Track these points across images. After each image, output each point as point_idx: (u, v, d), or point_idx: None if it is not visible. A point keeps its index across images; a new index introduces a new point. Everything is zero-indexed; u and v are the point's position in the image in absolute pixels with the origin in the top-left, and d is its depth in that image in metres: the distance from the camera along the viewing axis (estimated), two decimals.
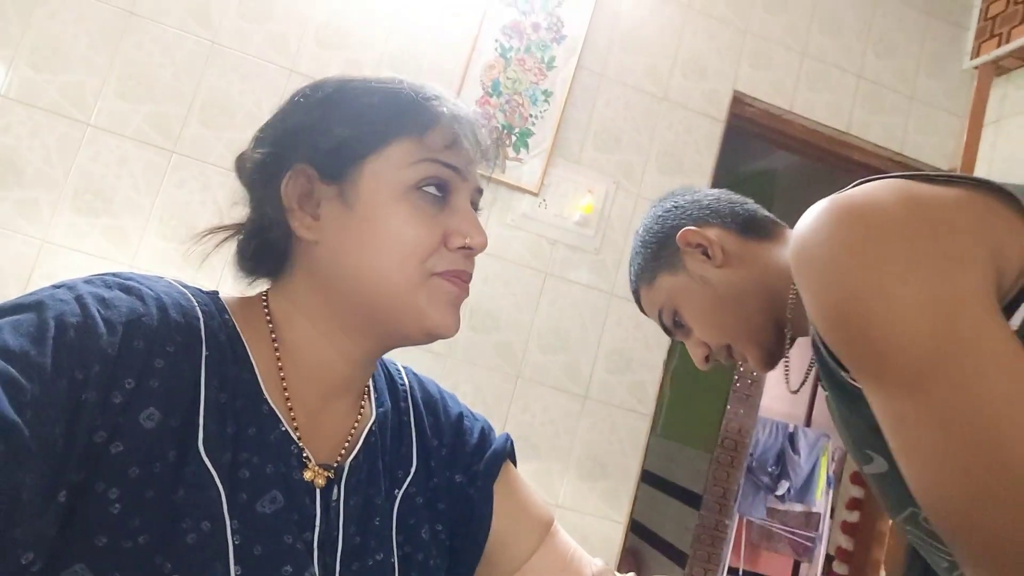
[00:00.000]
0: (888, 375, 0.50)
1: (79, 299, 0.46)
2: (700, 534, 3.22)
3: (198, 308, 0.53)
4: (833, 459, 4.92)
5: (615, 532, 1.92)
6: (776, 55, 2.12)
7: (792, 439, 4.94)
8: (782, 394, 5.36)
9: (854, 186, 0.59)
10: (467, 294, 0.59)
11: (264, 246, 0.59)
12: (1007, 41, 2.11)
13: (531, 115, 1.92)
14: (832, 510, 4.82)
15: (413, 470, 0.63)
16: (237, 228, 0.61)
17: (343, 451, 0.58)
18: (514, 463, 0.71)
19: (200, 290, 0.57)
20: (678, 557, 3.29)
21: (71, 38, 1.70)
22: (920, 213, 0.53)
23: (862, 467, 0.69)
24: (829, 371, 0.62)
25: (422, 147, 0.56)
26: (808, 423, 5.49)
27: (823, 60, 2.16)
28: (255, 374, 0.54)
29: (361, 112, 0.56)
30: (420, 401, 0.67)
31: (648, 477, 3.47)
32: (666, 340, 2.00)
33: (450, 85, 1.88)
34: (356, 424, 0.61)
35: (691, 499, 3.32)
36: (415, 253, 0.55)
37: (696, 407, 3.54)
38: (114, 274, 0.51)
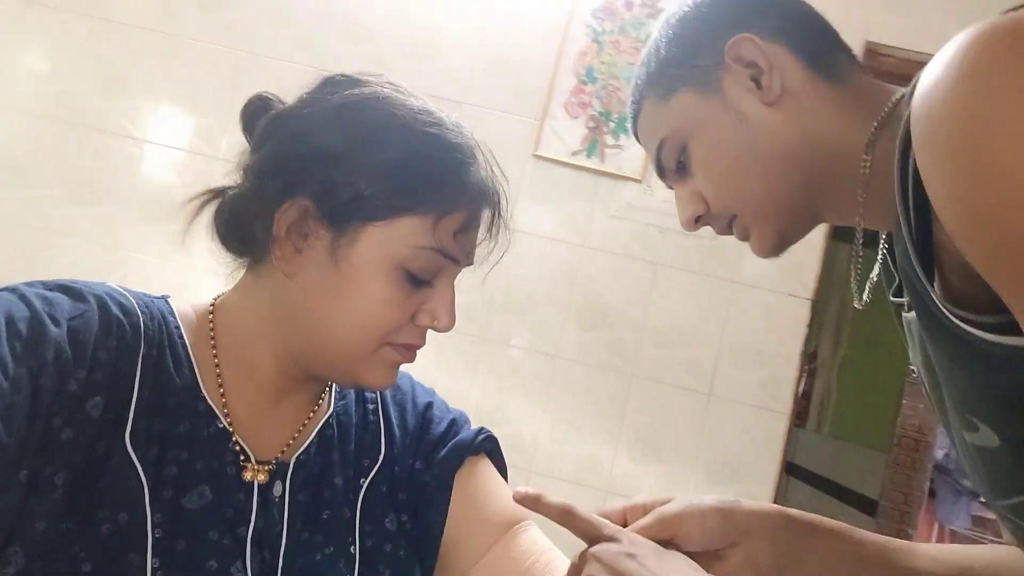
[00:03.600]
0: None
1: (23, 298, 0.48)
2: None
3: (138, 308, 0.54)
4: None
5: None
6: None
7: None
8: None
9: (1012, 10, 0.43)
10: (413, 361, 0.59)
11: (239, 230, 0.58)
12: None
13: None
14: None
15: (381, 459, 0.63)
16: (221, 192, 0.59)
17: (286, 447, 0.59)
18: (496, 459, 0.68)
19: (146, 294, 0.58)
20: None
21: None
22: None
23: (961, 434, 0.54)
24: (926, 305, 0.48)
25: (433, 232, 0.54)
26: None
27: None
28: (194, 373, 0.55)
29: (391, 171, 0.54)
30: (387, 394, 0.67)
31: (815, 479, 3.17)
32: (802, 330, 1.80)
33: (541, 82, 1.83)
34: (309, 419, 0.61)
35: (865, 505, 2.98)
36: (380, 329, 0.55)
37: (867, 402, 3.20)
38: (53, 280, 0.53)
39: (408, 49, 1.88)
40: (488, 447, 0.68)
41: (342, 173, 0.53)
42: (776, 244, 0.62)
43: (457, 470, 0.64)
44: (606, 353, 1.81)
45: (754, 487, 1.76)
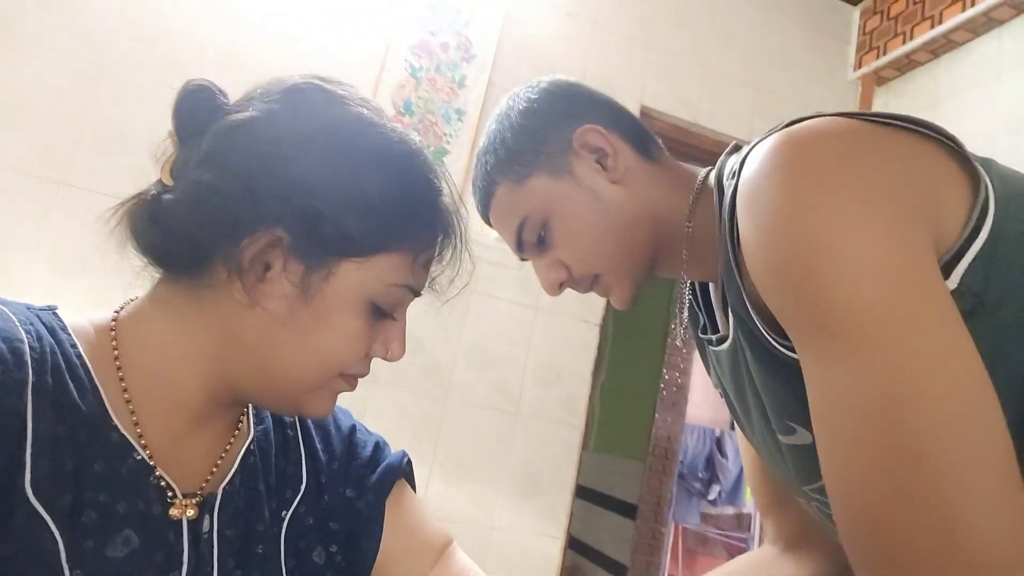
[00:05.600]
0: (828, 335, 0.45)
1: None
2: (638, 544, 3.24)
3: (20, 329, 0.46)
4: None
5: (554, 548, 1.90)
6: (679, 69, 2.20)
7: (719, 443, 5.08)
8: (705, 400, 5.52)
9: (796, 122, 0.54)
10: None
11: (182, 248, 0.50)
12: (884, 53, 2.27)
13: (445, 134, 1.91)
14: None
15: (303, 488, 0.59)
16: (155, 197, 0.51)
17: (210, 476, 0.54)
18: (411, 482, 0.66)
19: (29, 307, 0.50)
20: (618, 570, 3.29)
21: None
22: (873, 158, 0.49)
23: (777, 438, 0.65)
24: (756, 337, 0.58)
25: (408, 269, 0.53)
26: (733, 427, 5.66)
27: (723, 73, 2.26)
28: (102, 399, 0.48)
29: (374, 206, 0.50)
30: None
31: (584, 493, 3.47)
32: (593, 350, 2.01)
33: None
34: (230, 445, 0.57)
35: (627, 510, 3.34)
36: (341, 364, 0.53)
37: (625, 418, 3.59)
38: None
39: (215, 73, 1.77)
40: (408, 470, 0.66)
41: (324, 205, 0.49)
42: (634, 295, 0.72)
43: (388, 495, 0.62)
44: (420, 377, 1.85)
45: (555, 498, 1.92)
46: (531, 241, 0.72)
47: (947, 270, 0.48)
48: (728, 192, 0.60)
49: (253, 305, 0.50)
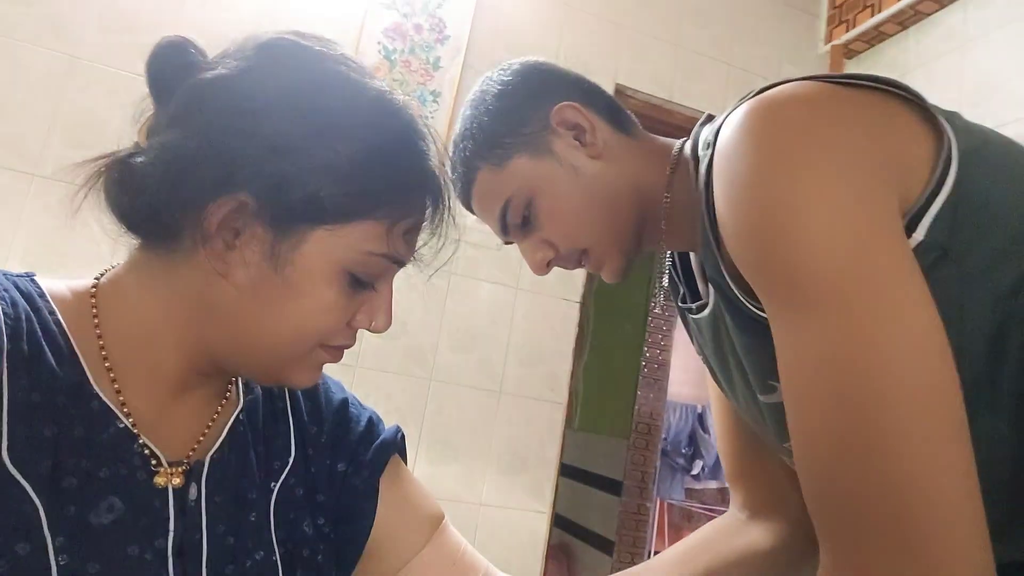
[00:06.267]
0: (793, 295, 0.47)
1: None
2: (624, 520, 3.29)
3: None
4: None
5: (540, 524, 1.93)
6: (652, 48, 2.22)
7: (701, 419, 5.16)
8: (687, 378, 5.59)
9: (767, 89, 0.55)
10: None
11: (150, 212, 0.48)
12: (854, 26, 2.30)
13: (421, 116, 1.90)
14: None
15: (291, 459, 0.58)
16: (124, 160, 0.48)
17: (197, 445, 0.53)
18: (404, 458, 0.66)
19: (6, 274, 0.49)
20: (605, 546, 3.35)
21: None
22: (840, 120, 0.50)
23: (757, 398, 0.67)
24: (733, 303, 0.59)
25: (385, 238, 0.50)
26: None
27: (696, 50, 2.28)
28: (82, 367, 0.47)
29: (350, 171, 0.48)
30: None
31: (570, 471, 3.52)
32: (574, 329, 2.04)
33: None
34: (218, 413, 0.56)
35: (613, 487, 3.39)
36: (317, 335, 0.51)
37: (608, 397, 3.63)
38: None
39: None
40: (402, 445, 0.66)
41: (294, 169, 0.46)
42: (624, 268, 0.73)
43: (383, 471, 0.61)
44: (405, 359, 1.86)
45: (540, 474, 1.95)
46: (515, 223, 0.72)
47: (913, 223, 0.49)
48: (703, 162, 0.61)
49: (223, 273, 0.48)
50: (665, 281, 0.79)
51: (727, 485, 0.88)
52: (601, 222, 0.70)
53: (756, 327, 0.58)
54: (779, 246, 0.47)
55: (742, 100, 0.57)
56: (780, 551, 0.82)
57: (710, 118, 0.70)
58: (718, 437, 0.90)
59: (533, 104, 0.71)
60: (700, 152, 0.64)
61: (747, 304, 0.58)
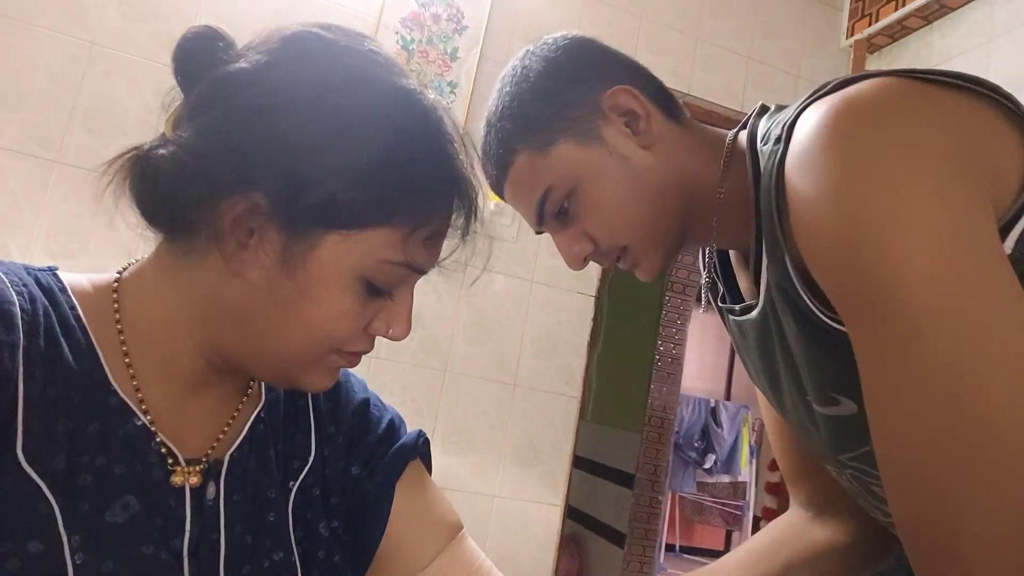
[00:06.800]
0: (883, 309, 0.44)
1: None
2: (636, 512, 3.30)
3: (11, 290, 0.44)
4: (754, 429, 5.17)
5: (553, 516, 1.94)
6: (671, 40, 2.20)
7: (714, 413, 5.15)
8: (700, 372, 5.58)
9: (845, 83, 0.52)
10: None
11: (169, 206, 0.48)
12: (877, 20, 2.26)
13: (451, 116, 1.90)
14: (756, 478, 5.05)
15: (311, 459, 0.57)
16: (148, 153, 0.47)
17: (216, 443, 0.52)
18: (427, 464, 0.64)
19: (28, 269, 0.48)
20: (617, 538, 3.36)
21: None
22: (931, 122, 0.47)
23: (812, 408, 0.63)
24: (799, 307, 0.55)
25: (404, 245, 0.48)
26: (728, 396, 5.73)
27: (715, 43, 2.26)
28: (100, 363, 0.47)
29: (370, 175, 0.46)
30: None
31: (583, 464, 3.52)
32: (588, 322, 2.04)
33: None
34: (238, 411, 0.55)
35: (625, 479, 3.39)
36: (331, 341, 0.49)
37: (622, 389, 3.63)
38: None
39: None
40: (424, 450, 0.63)
41: (309, 170, 0.45)
42: (662, 267, 0.68)
43: (400, 476, 0.59)
44: (421, 351, 1.87)
45: (554, 466, 1.95)
46: (553, 212, 0.67)
47: (1002, 235, 0.47)
48: (767, 158, 0.58)
49: (236, 273, 0.47)
50: (704, 278, 0.75)
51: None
52: (647, 218, 0.66)
53: (825, 338, 0.54)
54: (875, 265, 0.45)
55: (814, 95, 0.54)
56: (854, 547, 0.80)
57: (764, 109, 0.67)
58: (772, 439, 0.87)
59: (583, 86, 0.66)
60: (760, 146, 0.61)
61: (820, 313, 0.54)
